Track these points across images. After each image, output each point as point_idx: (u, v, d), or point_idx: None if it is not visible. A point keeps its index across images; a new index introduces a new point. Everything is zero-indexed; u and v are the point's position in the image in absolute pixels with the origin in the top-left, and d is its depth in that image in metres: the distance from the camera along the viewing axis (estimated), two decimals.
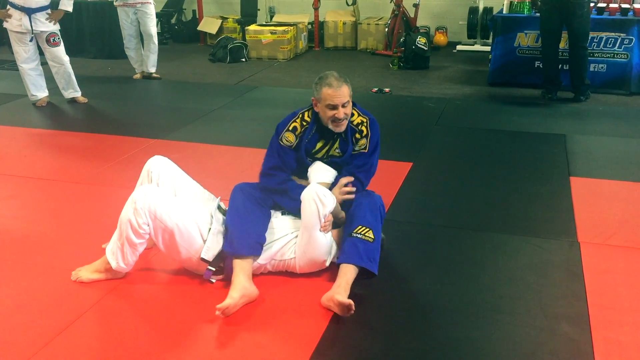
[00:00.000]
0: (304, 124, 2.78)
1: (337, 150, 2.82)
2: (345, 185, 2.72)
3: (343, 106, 2.66)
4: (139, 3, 6.45)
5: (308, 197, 2.51)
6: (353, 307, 2.30)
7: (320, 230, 2.56)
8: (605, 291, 2.55)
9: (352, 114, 2.79)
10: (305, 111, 2.82)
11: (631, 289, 2.56)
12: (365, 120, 2.82)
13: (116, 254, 2.53)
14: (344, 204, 2.72)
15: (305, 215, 2.54)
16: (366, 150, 2.80)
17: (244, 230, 2.57)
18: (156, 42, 6.70)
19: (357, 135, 2.80)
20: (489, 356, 2.18)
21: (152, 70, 6.81)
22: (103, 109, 5.71)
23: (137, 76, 6.86)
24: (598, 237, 3.01)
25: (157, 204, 2.45)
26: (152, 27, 6.61)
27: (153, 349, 2.22)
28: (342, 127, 2.73)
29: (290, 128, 2.78)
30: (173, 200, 2.58)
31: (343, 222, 2.72)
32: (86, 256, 2.76)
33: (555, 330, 2.29)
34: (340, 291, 2.37)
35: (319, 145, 2.81)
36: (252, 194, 2.74)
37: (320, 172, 2.75)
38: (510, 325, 2.33)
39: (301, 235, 2.60)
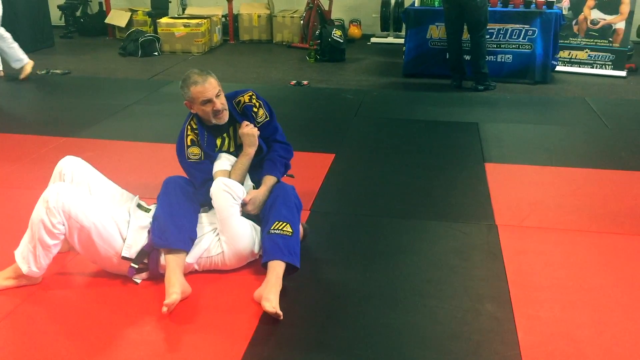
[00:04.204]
0: (196, 132, 2.78)
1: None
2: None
3: (217, 97, 2.68)
4: None
5: (217, 189, 2.53)
6: (280, 317, 2.27)
7: (248, 211, 2.60)
8: (523, 270, 2.67)
9: (236, 96, 2.83)
10: (189, 121, 2.82)
11: (547, 267, 2.70)
12: (251, 93, 2.87)
13: (27, 258, 2.38)
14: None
15: (220, 208, 2.54)
16: (268, 118, 2.88)
17: (178, 224, 2.51)
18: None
19: (255, 109, 2.84)
20: (417, 339, 2.23)
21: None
22: (6, 107, 5.37)
23: None
24: (513, 219, 3.15)
25: (71, 202, 2.32)
26: None
27: (76, 356, 2.11)
28: (225, 118, 2.76)
29: (189, 144, 2.77)
30: (88, 198, 2.46)
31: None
32: (0, 263, 2.58)
33: (480, 310, 2.38)
34: (269, 295, 2.31)
35: (218, 142, 2.83)
36: (185, 188, 2.68)
37: (218, 162, 2.75)
38: (436, 308, 2.40)
39: (221, 230, 2.57)
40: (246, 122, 2.77)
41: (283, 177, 2.95)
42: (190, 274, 2.57)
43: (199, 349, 2.15)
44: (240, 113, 2.82)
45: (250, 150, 2.73)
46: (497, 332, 2.25)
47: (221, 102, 2.71)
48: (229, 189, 2.52)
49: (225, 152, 2.82)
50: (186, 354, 2.13)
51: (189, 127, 2.80)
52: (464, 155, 4.11)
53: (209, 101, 2.67)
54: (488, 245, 2.89)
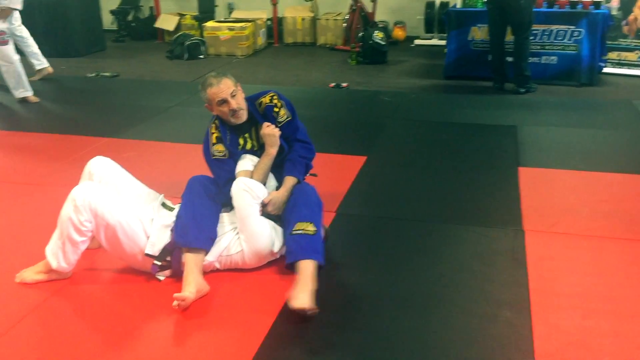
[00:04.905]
0: (219, 131, 2.86)
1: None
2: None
3: (233, 97, 2.74)
4: None
5: (237, 189, 2.59)
6: (314, 310, 2.29)
7: (269, 212, 2.64)
8: (546, 277, 2.61)
9: (257, 98, 2.89)
10: (213, 121, 2.90)
11: (571, 274, 2.63)
12: (272, 94, 2.91)
13: (57, 254, 2.49)
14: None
15: (239, 207, 2.59)
16: (290, 117, 2.90)
17: (199, 223, 2.58)
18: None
19: (276, 109, 2.88)
20: (431, 343, 2.22)
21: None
22: (55, 109, 5.61)
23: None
24: (542, 224, 3.08)
25: (97, 200, 2.42)
26: None
27: (97, 348, 2.20)
28: (243, 117, 2.82)
29: (215, 141, 2.85)
30: (114, 197, 2.55)
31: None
32: (33, 258, 2.69)
33: (497, 316, 2.34)
34: (298, 294, 2.32)
35: (241, 141, 2.89)
36: (208, 188, 2.75)
37: (241, 162, 2.82)
38: (453, 313, 2.38)
39: (241, 229, 2.62)
40: (267, 123, 2.82)
41: (306, 176, 2.98)
42: (211, 272, 2.63)
43: (214, 345, 2.20)
44: (261, 114, 2.87)
45: (271, 151, 2.78)
46: (513, 339, 2.21)
47: (237, 102, 2.77)
48: (249, 188, 2.58)
49: (249, 151, 2.88)
50: (200, 350, 2.18)
51: (213, 126, 2.89)
52: (498, 159, 4.04)
53: (225, 101, 2.74)
54: (513, 250, 2.84)
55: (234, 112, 2.76)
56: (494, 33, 5.83)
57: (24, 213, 3.33)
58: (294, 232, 2.55)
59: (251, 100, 2.88)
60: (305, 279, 2.40)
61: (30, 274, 2.59)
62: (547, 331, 2.25)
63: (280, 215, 2.72)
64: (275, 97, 2.90)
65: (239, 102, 2.78)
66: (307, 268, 2.45)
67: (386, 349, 2.19)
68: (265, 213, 2.69)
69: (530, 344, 2.18)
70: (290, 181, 2.78)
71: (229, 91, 2.73)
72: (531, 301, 2.43)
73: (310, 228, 2.56)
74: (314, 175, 3.06)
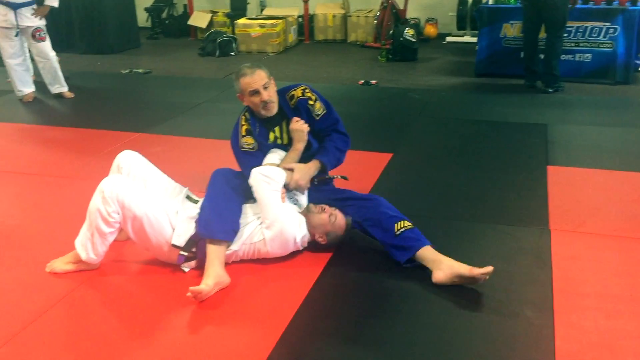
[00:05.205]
0: (250, 123, 2.89)
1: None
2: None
3: (265, 89, 2.76)
4: None
5: (255, 180, 2.64)
6: (487, 272, 2.42)
7: (297, 180, 2.73)
8: (571, 277, 2.58)
9: (288, 91, 2.92)
10: (244, 113, 2.93)
11: (596, 274, 2.59)
12: (304, 87, 2.93)
13: (85, 245, 2.56)
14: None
15: (260, 197, 2.63)
16: (326, 111, 2.93)
17: (222, 215, 2.62)
18: None
19: (310, 102, 2.90)
20: (452, 341, 2.21)
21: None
22: (89, 104, 5.73)
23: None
24: (569, 224, 3.04)
25: (125, 192, 2.48)
26: None
27: (122, 337, 2.26)
28: (273, 110, 2.84)
29: (244, 133, 2.88)
30: (141, 189, 2.61)
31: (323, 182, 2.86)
32: (64, 248, 2.77)
33: (519, 315, 2.32)
34: (458, 268, 2.48)
35: (271, 135, 2.92)
36: (232, 180, 2.79)
37: (268, 156, 2.86)
38: (473, 312, 2.36)
39: (263, 217, 2.65)
40: (297, 118, 2.84)
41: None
42: (234, 263, 2.67)
43: (235, 338, 2.24)
44: (293, 108, 2.89)
45: (299, 146, 2.81)
46: (534, 339, 2.19)
47: (268, 94, 2.79)
48: (266, 177, 2.62)
49: (278, 145, 2.91)
50: (220, 341, 2.22)
51: (243, 117, 2.92)
52: (526, 158, 3.99)
53: (256, 92, 2.77)
54: (538, 250, 2.81)
55: (265, 103, 2.79)
56: (527, 30, 5.75)
57: (56, 205, 3.42)
58: (401, 232, 2.64)
59: (281, 93, 2.90)
60: (440, 256, 2.57)
61: (60, 264, 2.66)
62: (569, 331, 2.22)
63: (362, 224, 2.76)
64: (307, 90, 2.92)
65: (271, 95, 2.81)
66: (430, 251, 2.59)
67: (407, 344, 2.20)
68: (290, 195, 2.74)
69: (551, 344, 2.16)
70: (317, 163, 2.83)
71: (262, 82, 2.76)
72: (554, 301, 2.40)
73: (407, 224, 2.67)
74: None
